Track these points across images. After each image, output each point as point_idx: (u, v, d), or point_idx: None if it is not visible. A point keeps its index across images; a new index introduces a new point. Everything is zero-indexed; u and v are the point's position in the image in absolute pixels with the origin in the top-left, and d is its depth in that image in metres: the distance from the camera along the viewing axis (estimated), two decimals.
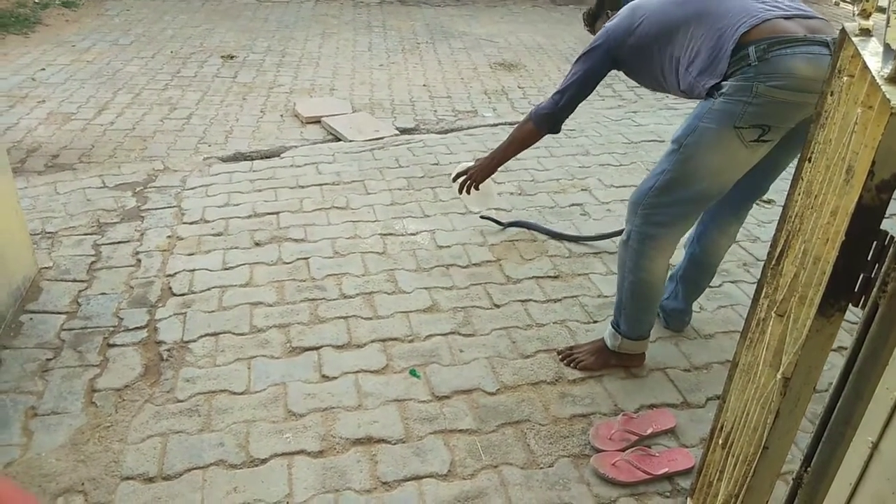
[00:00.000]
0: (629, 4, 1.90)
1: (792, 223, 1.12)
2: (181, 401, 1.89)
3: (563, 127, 2.16)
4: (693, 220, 1.87)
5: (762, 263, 1.25)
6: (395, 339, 2.17)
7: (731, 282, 2.56)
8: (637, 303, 1.94)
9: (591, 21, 2.15)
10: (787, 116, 1.66)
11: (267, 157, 3.59)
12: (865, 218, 0.78)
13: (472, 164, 2.51)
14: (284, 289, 2.41)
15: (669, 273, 2.25)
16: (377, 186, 3.25)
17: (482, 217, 2.83)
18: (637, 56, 1.86)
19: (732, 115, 1.65)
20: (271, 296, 2.37)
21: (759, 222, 3.01)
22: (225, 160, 3.53)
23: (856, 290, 0.84)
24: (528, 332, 2.23)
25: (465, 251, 2.70)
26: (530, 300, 2.39)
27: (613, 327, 2.01)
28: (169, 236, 2.74)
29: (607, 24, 1.94)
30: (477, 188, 2.50)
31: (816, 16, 1.69)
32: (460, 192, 2.53)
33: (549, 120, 2.11)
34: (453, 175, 2.57)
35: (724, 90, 1.66)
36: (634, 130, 4.06)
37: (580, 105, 2.06)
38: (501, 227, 2.85)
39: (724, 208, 2.03)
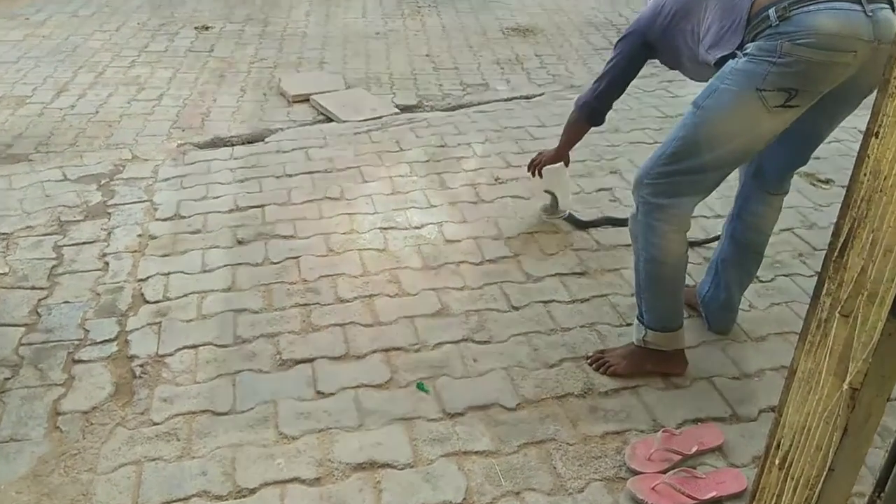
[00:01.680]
0: None
1: (857, 209, 1.10)
2: (157, 423, 1.89)
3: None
4: (707, 191, 1.91)
5: (822, 254, 1.24)
6: (400, 348, 2.16)
7: (785, 275, 2.53)
8: (654, 286, 1.97)
9: None
10: (816, 79, 1.69)
11: (249, 143, 3.59)
12: None
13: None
14: (272, 293, 2.41)
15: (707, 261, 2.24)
16: (375, 173, 3.24)
17: (567, 219, 2.84)
18: (666, 38, 1.98)
19: (756, 77, 1.68)
20: (257, 301, 2.37)
21: (816, 206, 2.98)
22: (202, 146, 3.54)
23: None
24: (551, 337, 2.22)
25: (477, 246, 2.69)
26: (553, 301, 2.38)
27: (638, 318, 2.04)
28: (140, 235, 2.74)
29: (640, 10, 2.09)
30: (539, 174, 2.75)
31: None
32: (529, 169, 2.79)
33: (587, 110, 2.35)
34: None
35: (748, 50, 1.71)
36: (670, 103, 4.02)
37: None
38: (584, 229, 2.81)
39: (762, 180, 2.07)
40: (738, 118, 1.75)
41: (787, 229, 2.77)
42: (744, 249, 2.15)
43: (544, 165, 2.74)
